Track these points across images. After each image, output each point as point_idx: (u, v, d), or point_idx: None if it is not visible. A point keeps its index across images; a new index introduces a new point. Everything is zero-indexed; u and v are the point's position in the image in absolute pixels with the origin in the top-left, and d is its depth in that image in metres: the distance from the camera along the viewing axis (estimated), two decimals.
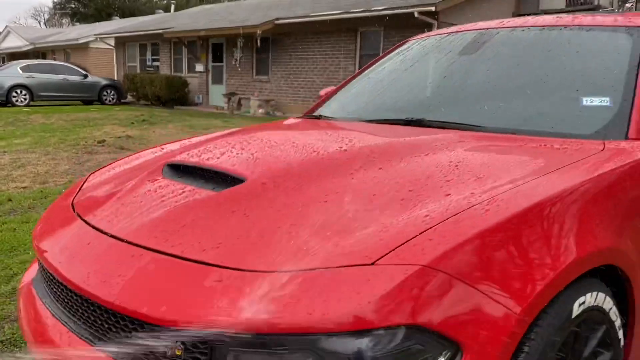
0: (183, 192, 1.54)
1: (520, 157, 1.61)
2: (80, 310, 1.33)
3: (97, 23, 35.66)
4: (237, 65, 17.34)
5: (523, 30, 2.43)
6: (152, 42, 21.57)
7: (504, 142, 1.76)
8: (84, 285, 1.27)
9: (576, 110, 1.95)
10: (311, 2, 15.82)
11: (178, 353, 1.12)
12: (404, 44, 2.99)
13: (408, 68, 2.65)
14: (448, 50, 2.58)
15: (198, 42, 18.45)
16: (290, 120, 2.55)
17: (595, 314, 1.38)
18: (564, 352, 1.31)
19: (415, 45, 2.85)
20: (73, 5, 53.23)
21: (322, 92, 3.08)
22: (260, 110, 15.71)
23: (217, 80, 18.62)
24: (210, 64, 18.75)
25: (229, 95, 16.83)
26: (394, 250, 1.11)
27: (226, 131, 2.38)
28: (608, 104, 1.91)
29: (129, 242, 1.34)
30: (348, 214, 1.26)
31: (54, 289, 1.48)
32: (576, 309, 1.28)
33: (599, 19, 2.36)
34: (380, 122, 2.17)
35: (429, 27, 12.12)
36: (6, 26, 36.61)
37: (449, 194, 1.33)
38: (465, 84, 2.31)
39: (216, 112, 16.45)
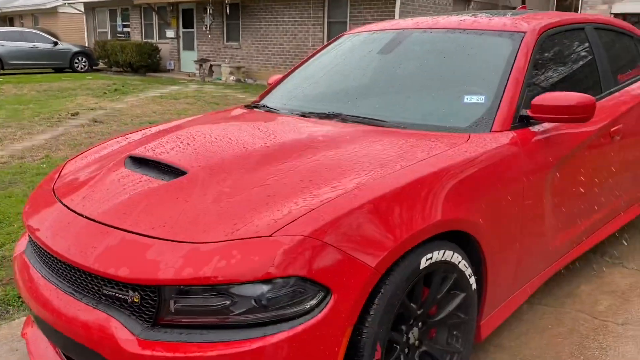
0: (140, 181, 2.00)
1: (400, 148, 2.08)
2: (65, 273, 1.80)
3: None
4: (208, 31, 17.41)
5: (431, 32, 2.88)
6: (122, 8, 21.36)
7: (395, 136, 2.23)
8: (67, 255, 1.74)
9: (459, 107, 2.43)
10: None
11: (136, 300, 1.60)
12: (338, 38, 3.41)
13: (337, 63, 3.10)
14: (370, 48, 3.03)
15: (168, 8, 18.40)
16: (237, 111, 2.99)
17: (445, 266, 1.90)
18: (417, 291, 1.83)
19: (347, 41, 3.28)
20: None
21: (270, 80, 3.51)
22: (232, 77, 15.94)
23: (189, 46, 18.69)
24: (181, 30, 18.77)
25: (201, 62, 16.97)
26: (285, 226, 1.59)
27: (178, 122, 2.82)
28: (483, 101, 2.40)
29: (99, 222, 1.80)
30: (258, 199, 1.74)
31: (44, 258, 1.94)
32: (424, 263, 1.79)
33: (495, 21, 2.82)
34: (307, 115, 2.63)
35: None
36: None
37: (334, 182, 1.81)
38: (377, 82, 2.78)
39: (188, 79, 16.62)
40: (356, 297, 1.61)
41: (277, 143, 2.18)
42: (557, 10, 15.28)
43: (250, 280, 1.52)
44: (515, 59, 2.50)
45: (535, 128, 2.39)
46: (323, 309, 1.56)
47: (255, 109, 3.01)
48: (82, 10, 23.55)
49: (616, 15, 6.85)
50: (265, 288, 1.53)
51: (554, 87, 2.66)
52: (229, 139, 2.27)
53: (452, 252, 1.92)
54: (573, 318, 2.64)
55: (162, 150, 2.19)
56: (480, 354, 2.36)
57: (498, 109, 2.33)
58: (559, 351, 2.38)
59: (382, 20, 12.33)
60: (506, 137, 2.24)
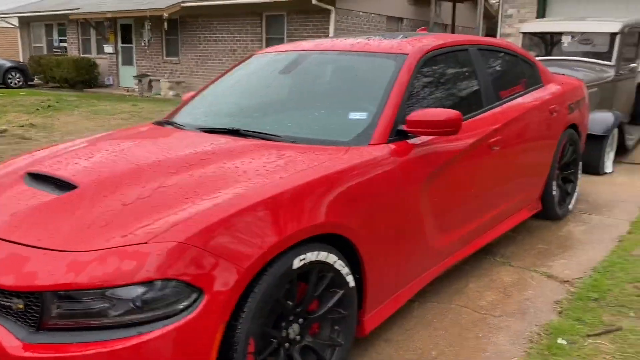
0: (34, 196, 2.11)
1: (285, 160, 2.28)
2: None
3: None
4: (147, 46, 17.31)
5: (327, 54, 3.12)
6: (58, 23, 20.91)
7: (284, 150, 2.43)
8: None
9: (344, 122, 2.66)
10: None
11: (20, 307, 1.72)
12: (249, 58, 3.61)
13: (243, 82, 3.29)
14: (273, 68, 3.25)
15: (106, 23, 18.18)
16: (144, 127, 3.12)
17: (320, 265, 2.10)
18: (293, 290, 2.02)
19: (255, 60, 3.49)
20: None
21: (184, 97, 3.66)
22: (171, 92, 15.89)
23: (127, 61, 18.50)
24: (120, 45, 18.57)
25: (140, 77, 16.84)
26: (161, 233, 1.75)
27: (86, 138, 2.93)
28: (365, 117, 2.64)
29: None
30: (141, 211, 1.89)
31: None
32: (297, 263, 1.99)
33: (384, 44, 3.08)
34: (208, 130, 2.80)
35: (326, 12, 12.81)
36: None
37: (216, 192, 1.98)
38: (276, 100, 2.99)
39: (126, 95, 16.45)
40: (228, 297, 1.78)
41: (170, 158, 2.34)
42: (485, 27, 16.12)
43: (126, 284, 1.67)
44: (396, 78, 2.76)
45: (414, 141, 2.65)
46: (196, 308, 1.73)
47: (164, 125, 3.15)
48: (17, 24, 22.88)
49: (524, 34, 7.38)
50: (140, 291, 1.68)
51: (436, 104, 2.93)
52: (125, 154, 2.41)
53: (327, 253, 2.12)
54: (457, 312, 2.90)
55: (58, 167, 2.31)
56: (369, 348, 2.57)
57: (377, 124, 2.57)
58: (438, 342, 2.62)
59: (317, 37, 12.69)
60: (382, 149, 2.48)
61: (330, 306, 2.20)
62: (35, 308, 1.71)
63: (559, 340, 2.57)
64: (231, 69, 3.62)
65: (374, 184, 2.37)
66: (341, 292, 2.23)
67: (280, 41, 13.89)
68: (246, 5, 14.09)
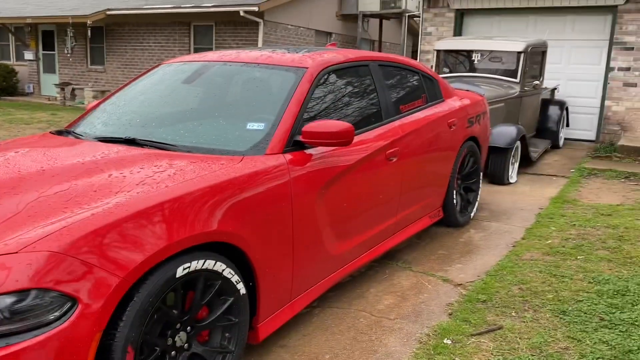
0: None
1: (175, 169, 2.30)
2: None
3: None
4: (70, 54, 16.70)
5: (231, 65, 3.17)
6: None
7: (176, 159, 2.44)
8: None
9: (242, 133, 2.71)
10: None
11: None
12: (155, 67, 3.60)
13: (147, 91, 3.28)
14: (177, 78, 3.26)
15: (26, 29, 17.41)
16: (39, 136, 3.04)
17: (207, 273, 2.13)
18: (177, 298, 2.04)
19: (161, 70, 3.48)
20: None
21: (89, 105, 3.60)
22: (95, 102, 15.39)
23: (50, 69, 17.76)
24: (41, 52, 17.81)
25: (62, 86, 16.21)
26: (33, 243, 1.73)
27: None
28: (262, 127, 2.71)
29: None
30: (17, 220, 1.86)
31: None
32: (180, 272, 2.01)
33: (286, 57, 3.17)
34: (105, 140, 2.77)
35: (255, 25, 12.88)
36: None
37: (98, 201, 1.98)
38: (176, 110, 3.00)
39: (47, 103, 15.78)
40: (104, 305, 1.78)
41: (56, 167, 2.31)
42: (411, 43, 16.72)
43: None
44: (295, 91, 2.85)
45: (311, 151, 2.74)
46: (69, 317, 1.71)
47: (62, 135, 3.08)
48: None
49: (438, 51, 7.75)
50: (8, 301, 1.65)
51: (335, 117, 3.04)
52: (9, 163, 2.35)
53: (214, 261, 2.15)
54: (355, 317, 3.00)
55: None
56: (263, 354, 2.62)
57: (273, 134, 2.65)
58: (333, 346, 2.70)
59: (247, 47, 12.73)
60: (277, 159, 2.55)
61: (219, 314, 2.23)
62: None
63: (445, 340, 2.72)
64: (137, 77, 3.60)
65: (267, 193, 2.43)
66: (231, 299, 2.26)
67: (209, 50, 13.80)
68: (174, 15, 13.93)
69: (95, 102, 3.60)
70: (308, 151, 2.74)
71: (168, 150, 2.59)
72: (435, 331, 2.83)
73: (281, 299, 2.61)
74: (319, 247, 2.81)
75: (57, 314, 1.70)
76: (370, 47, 16.86)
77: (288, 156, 2.62)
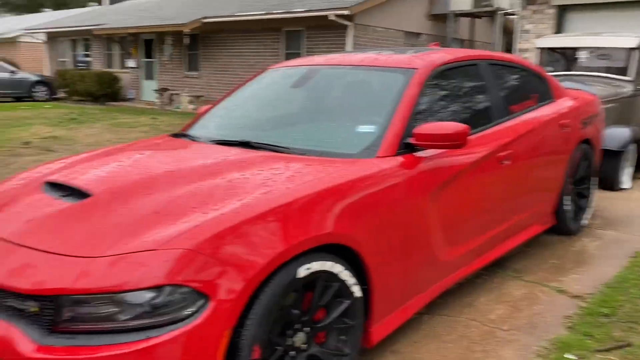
0: (52, 203, 2.19)
1: (293, 172, 2.33)
2: None
3: (26, 15, 34.65)
4: (168, 61, 17.65)
5: (337, 68, 3.18)
6: (83, 38, 21.44)
7: (292, 161, 2.48)
8: None
9: (352, 135, 2.71)
10: (239, 1, 16.31)
11: (34, 310, 1.79)
12: (262, 72, 3.69)
13: (256, 95, 3.37)
14: (285, 82, 3.32)
15: (129, 38, 18.59)
16: (160, 139, 3.21)
17: (326, 275, 2.14)
18: (298, 298, 2.06)
19: (268, 75, 3.57)
20: None
21: (199, 110, 3.75)
22: (191, 106, 16.14)
23: (149, 75, 18.85)
24: (142, 59, 18.94)
25: (161, 91, 17.15)
26: (169, 240, 1.81)
27: (103, 149, 3.02)
28: (373, 130, 2.69)
29: (8, 241, 1.99)
30: (152, 219, 1.96)
31: None
32: (302, 272, 2.02)
33: (393, 58, 3.14)
34: (221, 143, 2.87)
35: (344, 28, 12.93)
36: None
37: (224, 202, 2.04)
38: (287, 113, 3.05)
39: (147, 108, 16.75)
40: (234, 303, 1.83)
41: (181, 168, 2.41)
42: (505, 42, 16.11)
43: (134, 289, 1.73)
44: (404, 92, 2.80)
45: (421, 153, 2.68)
46: (202, 314, 1.78)
47: (179, 138, 3.23)
48: (44, 39, 23.52)
49: (541, 49, 7.38)
50: (148, 296, 1.74)
51: (445, 118, 2.97)
52: (139, 165, 2.49)
53: (332, 263, 2.16)
54: (465, 325, 2.90)
55: (74, 176, 2.40)
56: (375, 359, 2.59)
57: (384, 137, 2.62)
58: (446, 355, 2.62)
59: (335, 52, 12.83)
60: (389, 162, 2.51)
61: (336, 316, 2.23)
62: (49, 311, 1.77)
63: (567, 355, 2.55)
64: (245, 82, 3.71)
65: (381, 196, 2.41)
66: (347, 302, 2.26)
67: (298, 56, 14.05)
68: (266, 21, 14.30)
69: (207, 106, 3.74)
70: (418, 154, 2.68)
71: (282, 152, 2.63)
72: (554, 345, 2.67)
73: (393, 304, 2.57)
74: (430, 252, 2.74)
75: (191, 310, 1.77)
76: (460, 47, 16.42)
77: (399, 159, 2.58)
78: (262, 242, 1.93)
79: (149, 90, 18.67)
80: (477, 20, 16.37)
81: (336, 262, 2.18)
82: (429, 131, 2.56)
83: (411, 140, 2.61)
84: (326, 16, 12.58)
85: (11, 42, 26.70)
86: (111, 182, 2.27)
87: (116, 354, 1.70)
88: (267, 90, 3.39)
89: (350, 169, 2.39)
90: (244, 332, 1.87)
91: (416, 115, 2.77)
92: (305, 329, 2.15)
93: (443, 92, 3.07)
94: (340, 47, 13.23)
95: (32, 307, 1.79)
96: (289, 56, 14.54)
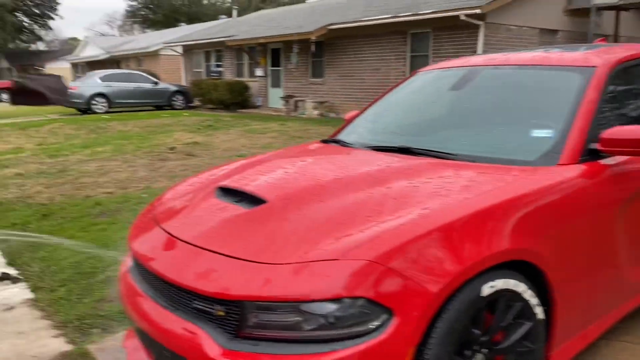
0: (227, 209, 2.25)
1: (466, 180, 2.19)
2: (162, 289, 2.06)
3: (165, 30, 37.75)
4: (294, 69, 18.20)
5: (501, 68, 2.97)
6: (216, 49, 22.85)
7: (462, 169, 2.34)
8: (164, 272, 2.00)
9: (527, 140, 2.50)
10: (362, 6, 16.38)
11: (221, 314, 1.82)
12: (412, 76, 3.58)
13: (409, 99, 3.26)
14: (441, 85, 3.17)
15: (258, 48, 19.47)
16: (313, 145, 3.22)
17: (509, 294, 1.97)
18: (480, 317, 1.91)
19: (419, 78, 3.44)
20: (143, 13, 56.33)
21: (347, 116, 3.73)
22: (315, 112, 16.48)
23: (276, 83, 19.58)
24: (269, 68, 19.73)
25: (287, 98, 17.72)
26: (350, 251, 1.76)
27: (262, 156, 3.08)
28: (551, 135, 2.45)
29: (191, 244, 2.06)
30: (328, 226, 1.92)
31: (144, 276, 2.23)
32: (486, 290, 1.88)
33: (566, 56, 2.87)
34: (378, 149, 2.79)
35: (474, 28, 12.42)
36: (85, 37, 39.51)
37: (399, 211, 1.95)
38: (447, 117, 2.90)
39: (274, 115, 17.38)
40: (418, 320, 1.73)
41: (347, 175, 2.36)
42: None
43: (318, 299, 1.69)
44: (584, 93, 2.54)
45: (607, 161, 2.41)
46: (386, 329, 1.69)
47: (330, 144, 3.22)
48: (181, 52, 25.43)
49: None
50: (332, 307, 1.69)
51: (628, 121, 2.65)
52: (305, 171, 2.48)
53: (516, 282, 1.98)
54: None
55: (246, 182, 2.44)
56: None
57: (566, 142, 2.38)
58: None
59: (464, 53, 12.37)
60: (573, 170, 2.28)
61: (517, 338, 2.04)
62: (234, 316, 1.79)
63: None
64: (394, 87, 3.62)
65: (565, 208, 2.18)
66: (529, 324, 2.06)
67: (424, 59, 13.77)
68: (391, 24, 14.20)
69: (355, 112, 3.70)
70: (604, 161, 2.40)
71: (448, 159, 2.50)
72: None
73: (574, 327, 2.32)
74: (615, 271, 2.45)
75: (375, 324, 1.70)
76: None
77: (583, 166, 2.33)
78: (446, 256, 1.81)
79: (275, 97, 19.39)
80: (622, 13, 14.94)
81: (520, 281, 2.00)
82: (619, 136, 2.29)
83: (597, 146, 2.35)
84: (456, 16, 12.19)
85: (153, 55, 29.19)
86: (282, 189, 2.28)
87: None
88: (421, 94, 3.27)
89: (532, 177, 2.19)
90: (427, 350, 1.76)
91: (598, 118, 2.49)
92: (483, 350, 1.99)
93: (626, 93, 2.75)
94: (470, 49, 12.74)
95: (218, 310, 1.82)
96: (414, 59, 14.30)
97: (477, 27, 12.36)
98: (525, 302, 2.03)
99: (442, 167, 2.37)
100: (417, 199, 2.05)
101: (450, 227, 1.87)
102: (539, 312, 2.08)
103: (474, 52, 12.28)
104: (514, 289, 1.98)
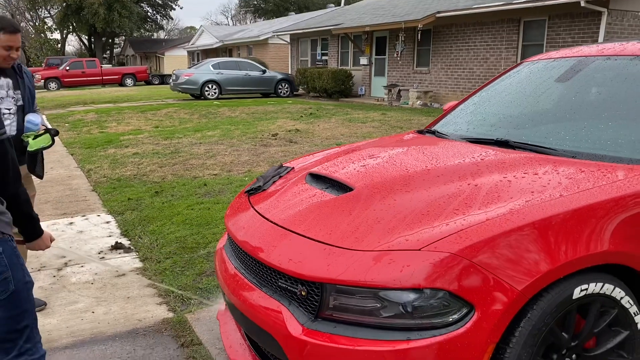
0: (315, 194, 2.32)
1: (564, 177, 2.07)
2: (251, 266, 2.18)
3: (275, 19, 38.89)
4: (399, 57, 17.99)
5: (615, 59, 2.76)
6: (322, 38, 23.17)
7: (561, 165, 2.21)
8: (254, 251, 2.11)
9: (637, 138, 2.31)
10: None
11: (303, 294, 1.89)
12: (517, 65, 3.42)
13: (512, 91, 3.12)
14: (548, 76, 3.00)
15: (363, 37, 19.46)
16: (408, 135, 3.19)
17: (603, 299, 1.85)
18: (569, 321, 1.82)
19: (525, 68, 3.28)
20: (255, 2, 58.43)
21: (445, 107, 3.66)
22: (419, 102, 16.20)
23: (379, 72, 19.49)
24: (374, 56, 19.66)
25: (390, 87, 17.57)
26: (434, 242, 1.74)
27: (355, 144, 3.12)
28: None
29: (280, 226, 2.15)
30: (413, 217, 1.92)
31: (237, 253, 2.36)
32: (577, 293, 1.78)
33: None
34: (474, 141, 2.72)
35: (596, 15, 11.51)
36: (200, 26, 41.80)
37: (489, 206, 1.90)
38: (551, 110, 2.75)
39: (376, 104, 17.32)
40: (500, 317, 1.68)
41: (438, 167, 2.33)
42: None
43: (398, 288, 1.70)
44: None
45: None
46: (465, 323, 1.67)
47: (426, 134, 3.18)
48: (288, 41, 26.08)
49: None
50: (411, 296, 1.70)
51: None
52: (394, 161, 2.48)
53: (612, 286, 1.86)
54: None
55: (335, 169, 2.50)
56: None
57: None
58: None
59: (583, 43, 11.52)
60: None
61: (611, 347, 1.92)
62: (315, 297, 1.86)
63: None
64: (497, 77, 3.48)
65: None
66: (625, 332, 1.93)
67: (538, 48, 13.01)
68: (503, 12, 13.56)
69: (454, 102, 3.62)
70: None
71: (547, 154, 2.38)
72: None
73: None
74: None
75: (455, 317, 1.68)
76: None
77: None
78: (536, 254, 1.74)
79: (378, 86, 19.31)
80: None
81: (617, 286, 1.87)
82: None
83: None
84: (576, 2, 11.35)
85: (262, 43, 30.19)
86: (370, 178, 2.31)
87: (376, 350, 1.70)
88: (525, 85, 3.12)
89: (629, 179, 2.03)
90: (509, 349, 1.72)
91: None
92: (572, 355, 1.90)
93: None
94: (590, 38, 11.85)
95: (301, 290, 1.89)
96: (526, 48, 13.56)
97: (599, 14, 11.44)
98: (623, 309, 1.90)
99: (539, 162, 2.27)
100: (510, 194, 1.98)
101: (543, 224, 1.79)
102: (638, 320, 1.94)
103: (594, 42, 11.41)
104: (610, 294, 1.86)
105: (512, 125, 2.86)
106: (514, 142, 2.56)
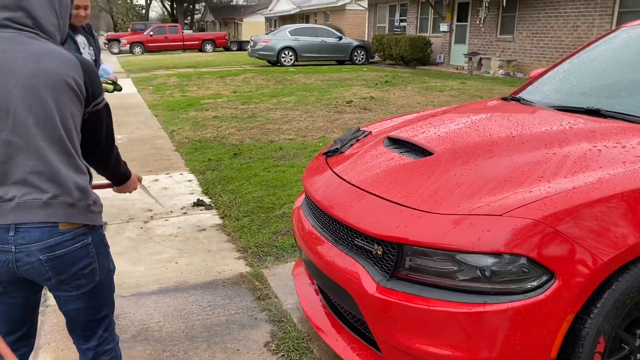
0: (393, 157, 2.32)
1: None
2: (328, 224, 2.24)
3: None
4: (481, 24, 17.25)
5: None
6: (401, 3, 22.59)
7: None
8: (331, 209, 2.16)
9: None
10: None
11: (379, 253, 1.92)
12: (614, 31, 3.21)
13: (606, 57, 2.94)
14: None
15: (444, 2, 18.78)
16: (491, 102, 3.10)
17: None
18: None
19: (623, 34, 3.07)
20: None
21: (532, 74, 3.51)
22: (501, 71, 15.54)
23: (460, 40, 18.80)
24: (455, 23, 18.97)
25: (470, 55, 16.94)
26: (516, 208, 1.71)
27: (435, 109, 3.07)
28: None
29: (357, 187, 2.18)
30: (495, 183, 1.89)
31: (314, 212, 2.42)
32: None
33: None
34: (562, 109, 2.60)
35: None
36: None
37: (576, 174, 1.84)
38: None
39: (455, 73, 16.79)
40: (581, 286, 1.65)
41: (523, 134, 2.26)
42: None
43: (477, 252, 1.70)
44: None
45: None
46: (545, 291, 1.65)
47: (510, 101, 3.08)
48: (366, 7, 25.64)
49: None
50: (490, 261, 1.69)
51: None
52: (477, 126, 2.43)
53: None
54: None
55: (414, 133, 2.48)
56: None
57: None
58: None
59: None
60: None
61: None
62: (391, 257, 1.89)
63: None
64: (590, 43, 3.29)
65: None
66: None
67: (636, 15, 12.04)
68: None
69: (540, 69, 3.47)
70: None
71: None
72: None
73: None
74: None
75: (534, 283, 1.66)
76: None
77: None
78: (624, 226, 1.67)
79: (458, 54, 18.67)
80: None
81: None
82: None
83: None
84: None
85: (340, 10, 29.86)
86: (451, 142, 2.28)
87: (450, 311, 1.71)
88: (621, 52, 2.93)
89: None
90: (590, 320, 1.68)
91: None
92: None
93: None
94: None
95: (377, 250, 1.93)
96: (623, 15, 12.59)
97: None
98: None
99: (633, 132, 2.15)
100: (599, 163, 1.90)
101: (634, 196, 1.71)
102: None
103: None
104: None
105: (605, 94, 2.71)
106: (606, 110, 2.43)
